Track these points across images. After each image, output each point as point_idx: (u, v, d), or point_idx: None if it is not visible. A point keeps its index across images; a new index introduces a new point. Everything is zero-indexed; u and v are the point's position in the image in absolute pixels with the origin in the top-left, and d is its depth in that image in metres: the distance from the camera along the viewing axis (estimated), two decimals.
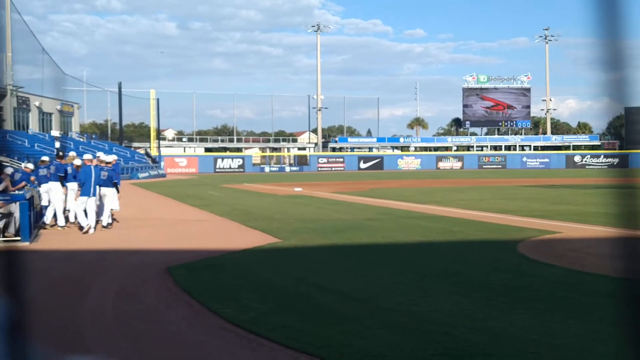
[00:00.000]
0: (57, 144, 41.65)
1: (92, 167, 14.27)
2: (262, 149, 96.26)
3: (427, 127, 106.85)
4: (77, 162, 15.31)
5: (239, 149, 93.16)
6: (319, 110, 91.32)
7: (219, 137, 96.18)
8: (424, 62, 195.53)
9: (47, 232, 14.13)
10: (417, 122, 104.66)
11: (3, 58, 49.98)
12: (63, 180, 14.94)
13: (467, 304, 6.94)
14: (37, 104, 59.73)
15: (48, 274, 9.17)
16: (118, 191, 15.39)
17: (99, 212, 14.79)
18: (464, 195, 25.96)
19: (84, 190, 13.98)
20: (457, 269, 9.10)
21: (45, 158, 15.93)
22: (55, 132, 51.98)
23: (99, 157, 15.33)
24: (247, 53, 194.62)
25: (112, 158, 15.72)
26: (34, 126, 59.14)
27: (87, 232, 13.82)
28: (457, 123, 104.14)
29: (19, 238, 12.27)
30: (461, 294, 7.43)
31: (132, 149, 73.45)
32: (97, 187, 14.26)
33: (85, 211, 14.08)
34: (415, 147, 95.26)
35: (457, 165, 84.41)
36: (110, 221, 15.02)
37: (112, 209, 15.08)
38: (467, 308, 6.73)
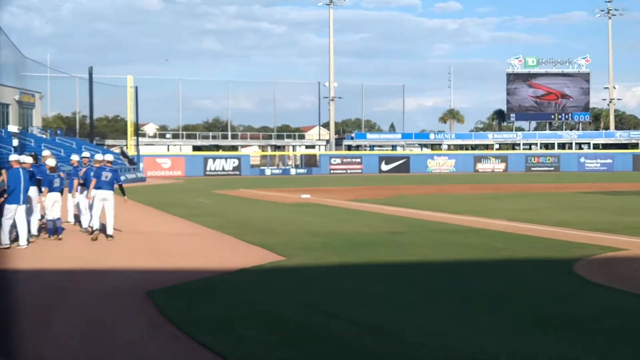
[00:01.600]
0: (15, 142, 41.91)
1: (20, 170, 14.37)
2: (262, 147, 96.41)
3: (463, 121, 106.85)
4: (51, 162, 15.90)
5: (234, 147, 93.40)
6: (332, 100, 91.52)
7: (210, 133, 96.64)
8: (460, 42, 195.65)
9: (5, 249, 14.17)
10: (451, 115, 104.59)
11: None
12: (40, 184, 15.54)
13: (514, 337, 6.91)
14: None
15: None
16: (124, 193, 16.30)
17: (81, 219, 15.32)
18: (509, 204, 25.85)
19: (13, 198, 14.06)
20: (502, 295, 9.06)
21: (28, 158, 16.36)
22: (13, 127, 52.20)
23: (97, 157, 16.38)
24: (244, 31, 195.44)
25: (84, 155, 16.26)
26: None
27: (8, 247, 13.97)
28: (499, 116, 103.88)
29: None
30: (506, 325, 7.39)
31: (105, 147, 73.86)
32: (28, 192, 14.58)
33: (14, 222, 14.23)
34: (449, 145, 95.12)
35: (500, 167, 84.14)
36: (111, 232, 15.66)
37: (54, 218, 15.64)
38: (514, 343, 6.69)
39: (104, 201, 15.78)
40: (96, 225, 15.72)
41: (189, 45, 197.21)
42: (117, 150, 74.68)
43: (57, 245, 14.78)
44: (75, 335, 7.23)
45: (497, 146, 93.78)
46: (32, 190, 15.23)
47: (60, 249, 14.21)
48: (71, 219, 18.98)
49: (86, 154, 18.85)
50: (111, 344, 6.92)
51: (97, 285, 10.20)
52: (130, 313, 8.30)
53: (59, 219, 15.99)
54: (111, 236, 15.61)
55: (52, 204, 15.76)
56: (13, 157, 14.96)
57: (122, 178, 20.36)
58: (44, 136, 65.29)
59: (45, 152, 17.50)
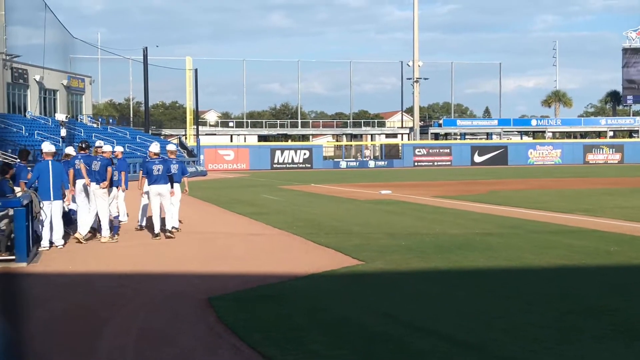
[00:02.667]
0: (63, 132, 43.24)
1: (49, 162, 14.81)
2: (337, 137, 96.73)
3: (571, 105, 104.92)
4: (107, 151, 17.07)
5: (304, 137, 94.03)
6: (416, 81, 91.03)
7: (278, 121, 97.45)
8: (566, 12, 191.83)
9: (50, 250, 14.68)
10: (557, 98, 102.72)
11: None
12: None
13: (626, 354, 6.80)
14: (37, 78, 62.28)
15: (50, 305, 9.53)
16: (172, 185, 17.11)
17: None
18: (625, 201, 25.31)
19: (41, 194, 14.50)
20: (614, 305, 8.91)
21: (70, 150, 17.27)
22: (60, 116, 53.88)
23: (169, 149, 17.89)
24: (316, 5, 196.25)
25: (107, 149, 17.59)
26: (33, 108, 61.64)
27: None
28: (614, 98, 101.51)
29: (13, 257, 12.79)
30: (620, 341, 7.28)
31: (162, 137, 75.42)
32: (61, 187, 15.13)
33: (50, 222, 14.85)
34: (554, 133, 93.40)
35: (615, 158, 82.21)
36: (172, 227, 16.75)
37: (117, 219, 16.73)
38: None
39: (160, 197, 16.43)
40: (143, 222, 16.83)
41: (253, 21, 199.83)
42: (175, 140, 76.09)
43: (110, 247, 15.22)
44: (127, 346, 7.44)
45: (611, 134, 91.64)
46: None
47: (114, 251, 14.65)
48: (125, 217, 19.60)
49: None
50: (166, 355, 7.10)
51: (152, 291, 10.46)
52: (190, 321, 8.48)
53: (116, 216, 16.60)
54: (171, 235, 16.40)
55: (110, 200, 16.37)
56: (46, 146, 15.40)
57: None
58: (95, 125, 67.00)
59: (99, 143, 18.16)
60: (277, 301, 9.48)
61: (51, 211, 14.57)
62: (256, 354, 7.01)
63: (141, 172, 17.59)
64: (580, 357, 6.73)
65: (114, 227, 16.44)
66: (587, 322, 8.11)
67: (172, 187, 16.76)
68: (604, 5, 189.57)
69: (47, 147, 15.27)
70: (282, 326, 8.07)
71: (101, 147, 17.24)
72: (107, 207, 15.94)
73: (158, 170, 16.40)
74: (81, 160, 15.98)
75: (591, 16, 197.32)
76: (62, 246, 14.76)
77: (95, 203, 15.77)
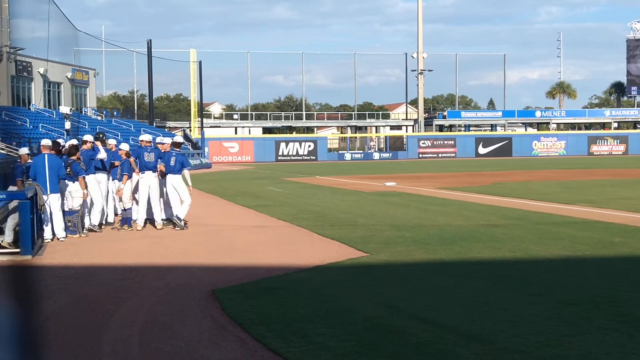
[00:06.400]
0: (68, 124, 43.16)
1: (45, 155, 15.00)
2: (341, 129, 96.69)
3: (576, 96, 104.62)
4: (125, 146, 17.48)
5: (309, 129, 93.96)
6: (421, 73, 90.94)
7: (282, 113, 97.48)
8: (571, 3, 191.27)
9: (54, 243, 14.73)
10: (561, 89, 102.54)
11: None
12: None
13: (631, 345, 6.80)
14: (41, 70, 62.29)
15: (56, 297, 9.55)
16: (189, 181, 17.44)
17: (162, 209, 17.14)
18: (630, 192, 25.28)
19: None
20: (618, 296, 8.92)
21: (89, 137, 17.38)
22: (64, 109, 53.72)
23: (162, 141, 17.74)
24: None
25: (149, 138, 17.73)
26: (37, 101, 61.68)
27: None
28: (618, 89, 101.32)
29: (17, 250, 12.83)
30: (623, 332, 7.28)
31: (166, 129, 75.44)
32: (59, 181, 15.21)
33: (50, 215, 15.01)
34: (558, 124, 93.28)
35: (619, 149, 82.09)
36: (181, 220, 16.84)
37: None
38: (631, 351, 6.59)
39: (173, 187, 16.87)
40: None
41: (257, 13, 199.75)
42: (179, 133, 76.15)
43: (115, 239, 15.26)
44: (132, 338, 7.46)
45: (615, 125, 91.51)
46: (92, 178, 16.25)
47: (118, 243, 14.68)
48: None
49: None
50: (171, 347, 7.11)
51: (157, 283, 10.48)
52: (194, 313, 8.50)
53: (129, 208, 16.94)
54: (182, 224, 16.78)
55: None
56: (45, 141, 15.65)
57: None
58: (99, 118, 67.10)
59: (160, 139, 18.56)
60: (281, 293, 9.49)
61: (49, 204, 14.66)
62: (261, 346, 7.02)
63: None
64: (585, 348, 6.73)
65: (128, 219, 16.87)
66: (591, 313, 8.11)
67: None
68: None
69: (46, 141, 15.62)
70: (287, 318, 8.08)
71: (162, 142, 17.50)
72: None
73: (173, 161, 16.88)
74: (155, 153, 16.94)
75: (595, 7, 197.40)
76: (64, 239, 14.85)
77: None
